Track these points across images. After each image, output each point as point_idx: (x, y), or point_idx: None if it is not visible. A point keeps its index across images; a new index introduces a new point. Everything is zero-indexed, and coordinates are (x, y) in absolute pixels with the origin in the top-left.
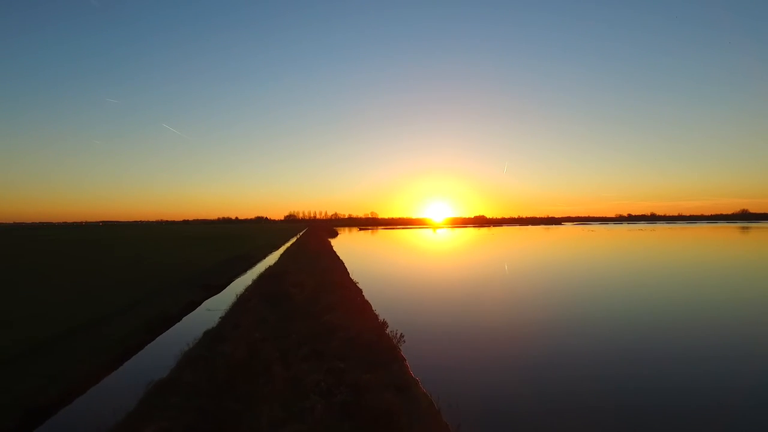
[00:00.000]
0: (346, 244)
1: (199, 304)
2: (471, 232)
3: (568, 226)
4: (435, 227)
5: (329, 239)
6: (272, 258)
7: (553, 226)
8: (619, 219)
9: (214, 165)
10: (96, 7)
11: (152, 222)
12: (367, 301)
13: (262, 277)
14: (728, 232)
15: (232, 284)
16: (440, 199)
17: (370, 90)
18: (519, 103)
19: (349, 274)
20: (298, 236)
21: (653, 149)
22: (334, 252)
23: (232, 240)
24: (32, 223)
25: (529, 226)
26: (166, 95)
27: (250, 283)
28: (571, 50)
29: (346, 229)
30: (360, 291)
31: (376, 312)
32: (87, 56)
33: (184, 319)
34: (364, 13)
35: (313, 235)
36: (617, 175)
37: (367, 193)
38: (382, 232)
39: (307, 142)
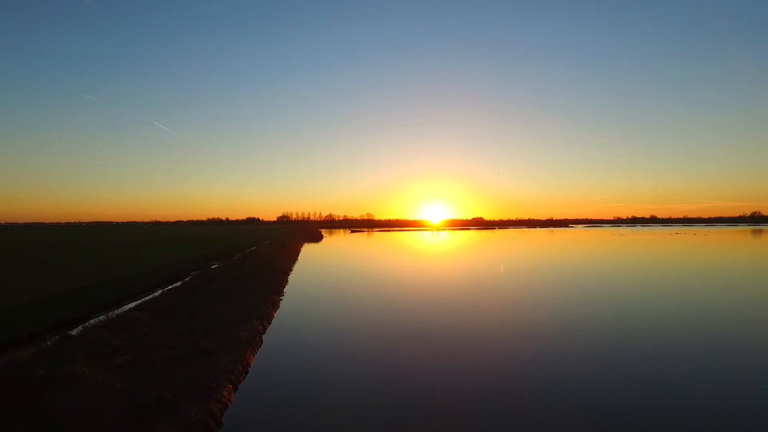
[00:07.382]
0: (322, 254)
1: None
2: (475, 235)
3: (579, 229)
4: (433, 229)
5: (307, 245)
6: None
7: (560, 228)
8: (618, 222)
9: (209, 165)
10: (92, 8)
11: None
12: None
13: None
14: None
15: None
16: (437, 202)
17: (369, 92)
18: (516, 105)
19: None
20: (264, 242)
21: (652, 152)
22: (286, 276)
23: (171, 246)
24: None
25: (537, 229)
26: (161, 96)
27: None
28: (569, 54)
29: (341, 231)
30: None
31: None
32: (85, 56)
33: None
34: (361, 15)
35: (289, 240)
36: (615, 177)
37: (364, 195)
38: (376, 235)
39: (303, 144)
